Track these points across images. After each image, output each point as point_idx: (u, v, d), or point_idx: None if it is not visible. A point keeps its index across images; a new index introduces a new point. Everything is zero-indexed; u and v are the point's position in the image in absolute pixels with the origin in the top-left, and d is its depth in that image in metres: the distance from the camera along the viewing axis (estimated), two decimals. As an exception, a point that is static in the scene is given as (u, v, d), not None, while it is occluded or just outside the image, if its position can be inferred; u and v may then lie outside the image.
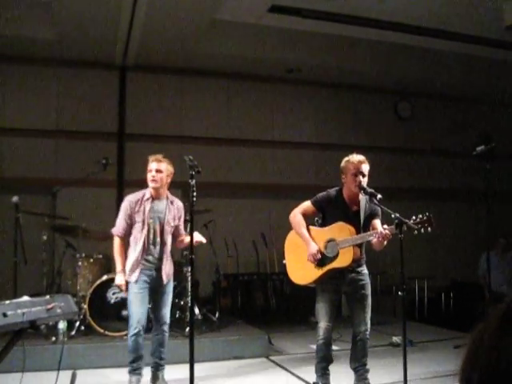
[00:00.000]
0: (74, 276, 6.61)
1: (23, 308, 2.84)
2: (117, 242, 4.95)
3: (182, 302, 6.80)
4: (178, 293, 6.97)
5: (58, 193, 7.47)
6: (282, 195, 9.13)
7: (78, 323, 6.16)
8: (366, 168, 4.58)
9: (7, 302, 2.85)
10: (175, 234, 5.15)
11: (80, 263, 6.54)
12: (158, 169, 4.95)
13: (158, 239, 4.95)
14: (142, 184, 8.25)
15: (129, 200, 4.98)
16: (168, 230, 5.00)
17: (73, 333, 6.04)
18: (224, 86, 9.52)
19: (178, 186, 8.28)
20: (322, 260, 4.58)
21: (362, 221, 4.59)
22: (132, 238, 4.94)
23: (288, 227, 4.96)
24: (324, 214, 4.75)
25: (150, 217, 4.91)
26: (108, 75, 8.90)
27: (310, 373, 4.96)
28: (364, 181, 4.55)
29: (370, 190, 4.45)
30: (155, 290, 4.97)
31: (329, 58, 8.87)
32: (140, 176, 8.42)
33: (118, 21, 7.26)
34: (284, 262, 4.95)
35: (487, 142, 6.55)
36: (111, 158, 7.48)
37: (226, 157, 9.25)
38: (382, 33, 8.06)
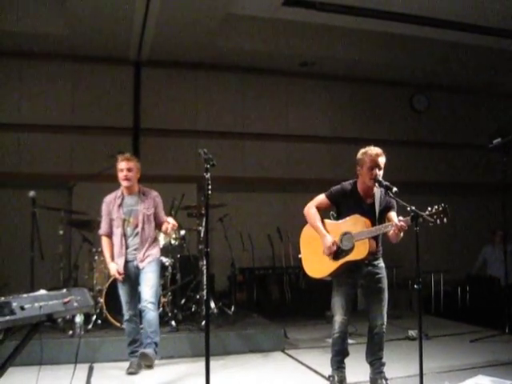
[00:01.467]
0: (91, 270, 6.66)
1: (40, 301, 2.87)
2: (104, 240, 5.40)
3: (197, 296, 6.82)
4: (194, 286, 7.00)
5: (74, 188, 7.52)
6: (297, 189, 9.11)
7: (94, 317, 6.21)
8: (382, 161, 4.55)
9: (24, 295, 2.88)
10: (157, 222, 5.42)
11: (96, 257, 6.59)
12: (129, 167, 5.35)
13: (137, 230, 5.31)
14: (157, 178, 8.30)
15: (105, 201, 5.44)
16: (143, 219, 5.31)
17: (89, 326, 6.09)
18: (238, 80, 9.52)
19: (193, 181, 8.35)
20: (337, 253, 4.57)
21: (377, 213, 4.56)
22: (114, 234, 5.34)
23: (303, 221, 4.95)
24: (339, 207, 4.73)
25: (123, 212, 5.30)
26: (123, 70, 8.93)
27: (325, 366, 4.95)
28: (380, 174, 4.52)
29: (385, 182, 4.42)
30: (137, 275, 5.29)
31: (343, 51, 8.82)
32: (155, 171, 8.54)
33: (132, 16, 7.28)
34: (300, 256, 4.94)
35: (504, 134, 6.50)
36: (126, 152, 7.49)
37: (240, 151, 9.25)
38: (396, 25, 8.01)
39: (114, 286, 6.17)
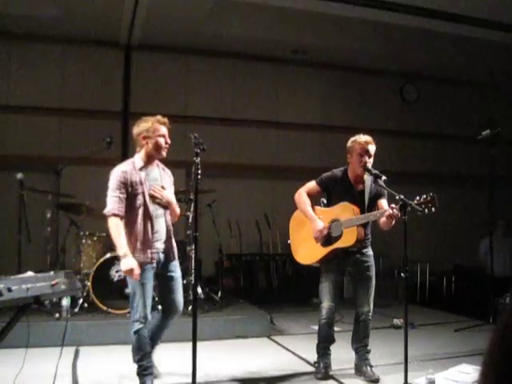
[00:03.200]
0: (78, 254, 6.65)
1: (27, 283, 2.86)
2: (115, 222, 4.13)
3: (184, 281, 6.82)
4: (182, 272, 6.99)
5: (62, 171, 7.47)
6: (286, 176, 9.12)
7: (81, 300, 6.21)
8: (372, 149, 4.58)
9: (12, 277, 2.87)
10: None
11: (84, 241, 6.58)
12: (168, 134, 4.33)
13: (160, 211, 4.26)
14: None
15: (122, 171, 4.23)
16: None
17: (76, 310, 6.08)
18: (229, 67, 9.49)
19: (181, 166, 8.32)
20: (326, 239, 4.60)
21: (366, 201, 4.60)
22: (130, 216, 4.16)
23: (291, 208, 4.97)
24: (329, 194, 4.77)
25: (149, 185, 4.21)
26: (113, 54, 8.87)
27: (311, 353, 5.00)
28: (370, 162, 4.55)
29: (374, 171, 4.46)
30: (163, 273, 4.32)
31: (335, 40, 8.81)
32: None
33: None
34: (289, 241, 4.96)
35: (492, 126, 6.53)
36: (115, 136, 7.48)
37: (230, 137, 9.24)
38: (387, 15, 7.98)
39: (101, 269, 6.19)
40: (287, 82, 9.82)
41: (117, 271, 6.27)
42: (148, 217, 4.15)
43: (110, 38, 8.60)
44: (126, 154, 8.72)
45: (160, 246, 4.22)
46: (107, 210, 4.20)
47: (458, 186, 10.34)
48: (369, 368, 4.66)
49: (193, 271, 3.47)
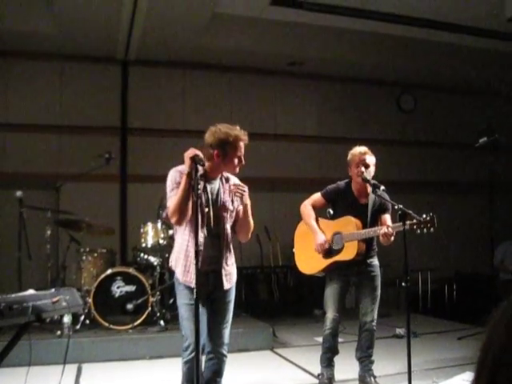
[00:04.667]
0: (79, 270, 6.64)
1: (29, 301, 2.85)
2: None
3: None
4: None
5: (62, 188, 7.48)
6: (285, 189, 9.13)
7: (82, 317, 6.19)
8: (370, 159, 4.63)
9: (13, 295, 2.87)
10: (234, 223, 3.88)
11: (84, 257, 6.57)
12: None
13: (216, 229, 3.73)
14: (145, 178, 8.28)
15: (179, 170, 3.70)
16: (225, 216, 3.79)
17: (78, 327, 6.06)
18: (226, 80, 9.51)
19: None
20: (328, 251, 4.64)
21: (369, 214, 4.62)
22: (180, 226, 3.73)
23: (291, 220, 5.00)
24: (334, 206, 4.81)
25: (205, 198, 3.69)
26: (110, 70, 8.89)
27: (314, 365, 4.98)
28: (369, 171, 4.59)
29: (373, 181, 4.49)
30: (211, 299, 3.79)
31: (331, 51, 8.84)
32: (143, 170, 8.51)
33: (119, 15, 7.26)
34: (293, 250, 5.02)
35: (490, 133, 6.54)
36: (114, 152, 7.49)
37: (228, 150, 9.24)
38: (383, 25, 8.03)
39: (102, 285, 6.18)
40: (284, 94, 9.84)
41: (118, 287, 6.26)
42: (194, 233, 3.39)
43: (107, 54, 8.62)
44: (124, 169, 8.75)
45: (208, 268, 3.66)
46: (168, 211, 3.68)
47: (457, 194, 10.35)
48: (372, 379, 4.65)
49: (195, 286, 3.35)
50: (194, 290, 3.31)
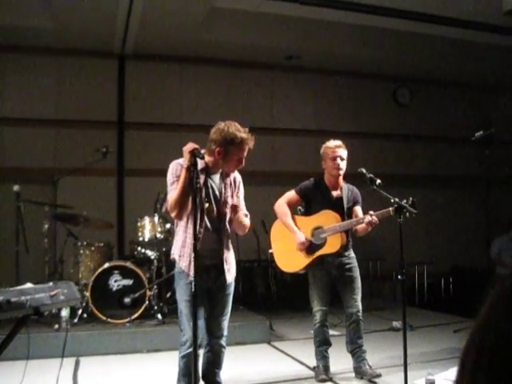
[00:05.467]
0: (76, 264, 6.65)
1: (27, 295, 2.86)
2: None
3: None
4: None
5: (59, 182, 7.49)
6: (282, 182, 9.11)
7: (80, 311, 6.20)
8: (343, 152, 4.73)
9: (10, 288, 2.88)
10: (232, 216, 3.86)
11: (82, 251, 6.58)
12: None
13: (217, 223, 3.81)
14: (142, 172, 8.30)
15: (180, 163, 3.72)
16: (226, 211, 3.85)
17: (75, 320, 6.08)
18: (223, 74, 9.51)
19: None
20: (310, 248, 4.67)
21: (345, 207, 4.70)
22: (185, 222, 3.75)
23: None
24: (308, 202, 4.86)
25: (205, 193, 3.75)
26: (107, 64, 8.88)
27: (310, 358, 5.01)
28: (342, 164, 4.65)
29: (369, 174, 4.50)
30: (211, 291, 3.84)
31: (328, 45, 8.84)
32: (140, 165, 8.52)
33: (116, 9, 7.25)
34: (270, 251, 5.03)
35: (486, 127, 6.56)
36: (111, 146, 7.50)
37: (225, 144, 9.24)
38: (380, 19, 8.02)
39: (99, 279, 6.20)
40: (281, 88, 9.85)
41: (115, 281, 6.28)
42: (196, 228, 3.45)
43: (104, 48, 8.62)
44: (121, 163, 8.76)
45: (209, 262, 3.73)
46: (168, 206, 3.71)
47: (453, 188, 10.37)
48: (368, 367, 4.69)
49: (193, 279, 3.40)
50: (193, 284, 3.37)
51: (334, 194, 4.76)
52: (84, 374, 5.09)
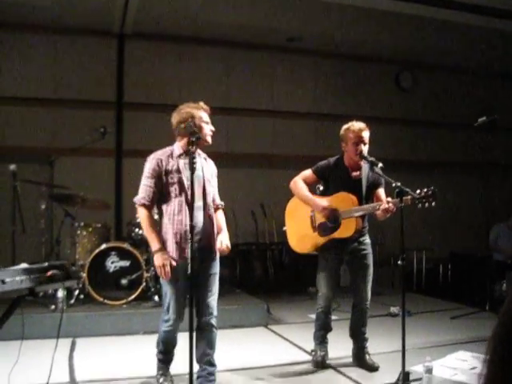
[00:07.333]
0: (73, 245, 6.62)
1: (21, 275, 2.82)
2: (145, 213, 3.87)
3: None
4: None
5: (56, 162, 7.43)
6: (282, 165, 9.08)
7: (77, 292, 6.19)
8: (366, 135, 4.53)
9: (6, 269, 2.84)
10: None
11: (79, 232, 6.54)
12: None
13: (201, 203, 3.90)
14: (141, 153, 8.18)
15: (157, 158, 3.91)
16: (210, 190, 4.05)
17: (72, 301, 6.07)
18: (223, 55, 9.41)
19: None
20: (323, 229, 4.57)
21: (364, 190, 4.56)
22: (166, 206, 3.90)
23: (287, 197, 4.94)
24: (326, 182, 4.72)
25: (186, 175, 3.83)
26: (106, 43, 8.78)
27: (307, 341, 5.00)
28: (365, 149, 4.51)
29: (370, 158, 4.42)
30: (197, 271, 3.72)
31: (329, 28, 8.75)
32: (138, 145, 8.46)
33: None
34: (284, 228, 4.94)
35: (489, 113, 6.49)
36: (109, 127, 7.43)
37: (225, 126, 9.16)
38: (383, 2, 7.93)
39: (96, 260, 6.17)
40: (282, 70, 9.76)
41: (112, 262, 6.25)
42: (184, 209, 3.79)
43: (103, 27, 8.51)
44: (120, 144, 8.70)
45: (197, 241, 3.75)
46: (137, 199, 3.93)
47: (454, 173, 10.32)
48: (367, 356, 4.66)
49: (189, 261, 3.42)
50: (189, 266, 3.49)
51: (354, 175, 4.61)
52: (80, 354, 5.07)
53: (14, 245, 6.45)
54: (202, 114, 4.04)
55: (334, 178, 4.63)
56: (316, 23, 8.56)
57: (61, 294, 5.77)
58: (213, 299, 3.94)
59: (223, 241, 3.98)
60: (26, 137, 8.19)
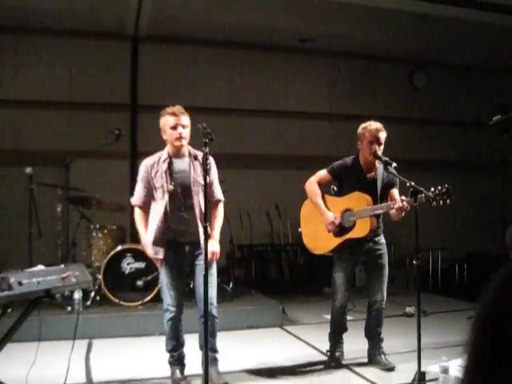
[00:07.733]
0: (89, 247, 6.66)
1: (38, 277, 2.86)
2: (137, 212, 4.32)
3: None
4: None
5: (72, 164, 7.48)
6: (296, 166, 9.08)
7: (93, 293, 6.22)
8: (383, 136, 4.53)
9: (22, 271, 2.87)
10: (210, 198, 4.19)
11: (94, 234, 6.58)
12: (183, 124, 4.29)
13: (189, 203, 4.22)
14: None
15: (145, 164, 4.34)
16: (197, 190, 4.20)
17: (88, 303, 6.10)
18: (237, 56, 9.43)
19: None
20: (338, 230, 4.57)
21: (379, 190, 4.55)
22: (152, 208, 4.28)
23: (301, 198, 4.94)
24: (340, 183, 4.72)
25: (171, 180, 4.19)
26: (120, 46, 8.83)
27: (323, 342, 4.99)
28: (380, 149, 4.50)
29: (384, 158, 4.41)
30: (191, 266, 4.37)
31: (343, 27, 8.72)
32: (153, 147, 8.47)
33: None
34: (299, 230, 4.94)
35: (504, 111, 6.45)
36: (124, 129, 7.47)
37: (238, 128, 9.19)
38: (396, 1, 7.91)
39: (112, 262, 6.21)
40: (296, 71, 9.75)
41: (128, 263, 6.28)
42: (166, 209, 4.20)
43: (117, 30, 8.56)
44: (134, 146, 8.74)
45: (186, 236, 4.26)
46: (131, 200, 4.42)
47: (469, 173, 10.24)
48: (383, 356, 4.65)
49: (203, 263, 3.48)
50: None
51: (369, 175, 4.61)
52: (96, 355, 5.11)
53: (31, 247, 6.51)
54: (167, 118, 4.39)
55: (349, 178, 4.63)
56: (329, 24, 8.55)
57: (77, 295, 5.81)
58: (210, 291, 4.07)
59: (209, 247, 3.96)
60: (41, 140, 8.26)
